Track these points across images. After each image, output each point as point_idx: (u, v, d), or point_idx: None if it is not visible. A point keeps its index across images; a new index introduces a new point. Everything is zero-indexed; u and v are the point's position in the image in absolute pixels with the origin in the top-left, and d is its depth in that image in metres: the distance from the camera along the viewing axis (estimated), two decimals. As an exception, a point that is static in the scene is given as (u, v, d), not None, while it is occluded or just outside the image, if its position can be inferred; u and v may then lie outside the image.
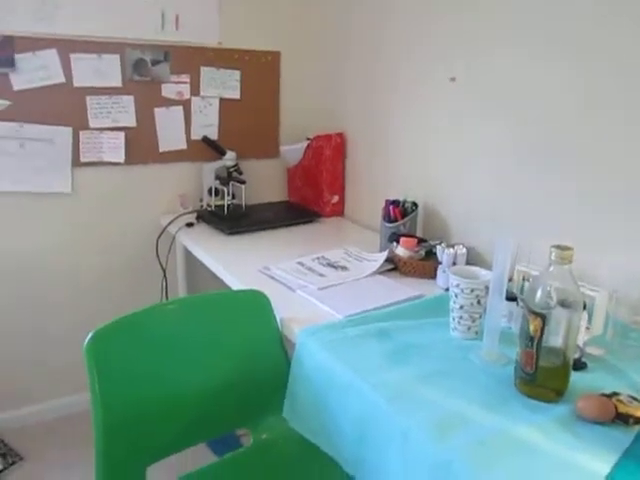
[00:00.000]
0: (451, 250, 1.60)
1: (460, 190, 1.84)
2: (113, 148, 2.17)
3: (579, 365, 1.12)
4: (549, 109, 1.52)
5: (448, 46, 1.81)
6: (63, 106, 2.04)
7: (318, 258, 1.79)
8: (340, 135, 2.39)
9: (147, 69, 2.17)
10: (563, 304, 0.99)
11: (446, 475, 0.88)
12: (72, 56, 2.02)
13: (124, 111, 2.16)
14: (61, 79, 2.02)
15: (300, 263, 1.74)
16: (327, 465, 1.17)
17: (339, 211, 2.46)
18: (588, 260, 1.32)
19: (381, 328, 1.29)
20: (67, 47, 2.00)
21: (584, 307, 1.14)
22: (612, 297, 1.30)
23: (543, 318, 0.99)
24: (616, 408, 0.95)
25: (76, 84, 2.05)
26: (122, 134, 2.17)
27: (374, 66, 2.18)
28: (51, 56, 1.99)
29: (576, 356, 1.11)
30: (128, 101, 2.16)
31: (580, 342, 1.16)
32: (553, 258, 0.98)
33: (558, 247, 0.98)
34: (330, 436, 1.16)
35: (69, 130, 2.07)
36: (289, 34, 2.46)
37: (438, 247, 1.65)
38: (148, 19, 2.14)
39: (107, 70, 2.09)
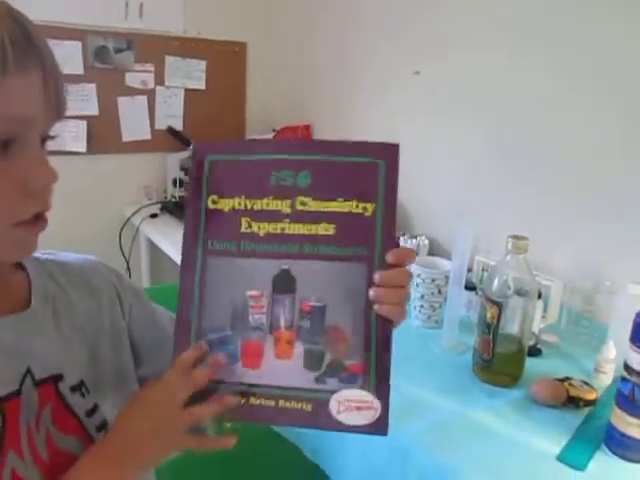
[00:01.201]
0: (414, 241, 1.63)
1: (424, 183, 1.87)
2: (74, 137, 2.12)
3: (534, 351, 1.16)
4: (511, 106, 1.55)
5: (414, 40, 1.83)
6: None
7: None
8: (307, 127, 2.39)
9: (110, 57, 2.14)
10: (519, 293, 1.02)
11: (405, 459, 0.90)
12: (31, 42, 1.96)
13: (86, 99, 2.12)
14: (19, 65, 1.97)
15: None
16: (291, 453, 1.18)
17: (305, 203, 2.46)
18: (544, 251, 1.36)
19: (344, 318, 1.31)
20: (26, 32, 1.95)
21: (539, 296, 1.18)
22: (566, 287, 1.34)
23: (500, 306, 1.02)
24: (568, 392, 0.98)
25: (35, 71, 1.99)
26: (84, 123, 2.13)
27: (342, 59, 2.18)
28: (9, 41, 1.93)
29: (531, 343, 1.14)
30: (90, 89, 2.12)
31: (535, 329, 1.20)
32: (509, 247, 1.01)
33: (514, 237, 1.01)
34: (293, 424, 1.17)
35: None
36: (256, 25, 2.45)
37: (401, 238, 1.68)
38: (111, 6, 2.10)
39: (68, 57, 2.04)
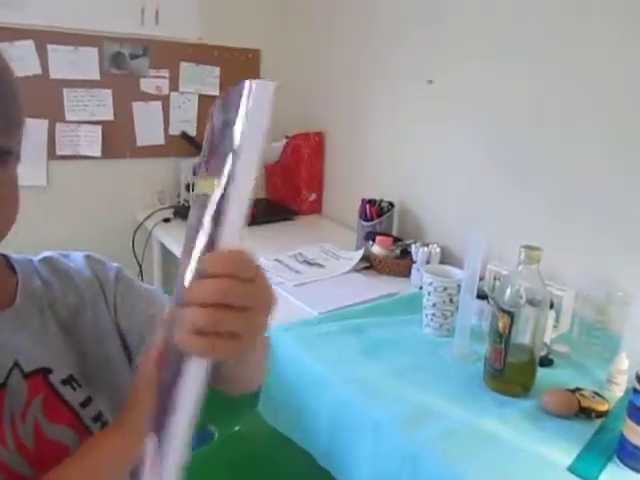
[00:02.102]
0: (425, 249, 1.63)
1: (435, 190, 1.88)
2: (90, 142, 2.15)
3: (546, 361, 1.16)
4: (521, 115, 1.55)
5: (427, 50, 1.84)
6: (39, 98, 2.01)
7: (295, 255, 1.80)
8: (319, 134, 2.40)
9: (125, 63, 2.16)
10: (531, 303, 1.02)
11: (416, 467, 0.90)
12: (49, 47, 1.99)
13: (101, 104, 2.15)
14: (37, 70, 2.00)
15: (277, 260, 1.75)
16: (301, 458, 1.18)
17: (317, 209, 2.48)
18: (556, 260, 1.36)
19: (355, 324, 1.31)
20: (44, 38, 1.98)
21: (551, 306, 1.18)
22: (578, 297, 1.34)
23: (512, 316, 1.02)
24: (579, 403, 0.98)
25: (53, 76, 2.02)
26: (99, 128, 2.15)
27: (355, 67, 2.20)
28: (28, 47, 1.97)
29: (543, 353, 1.14)
30: (106, 94, 2.15)
31: (547, 340, 1.20)
32: (522, 258, 1.01)
33: (527, 247, 1.01)
34: (304, 430, 1.18)
35: (45, 122, 2.05)
36: (270, 32, 2.47)
37: (413, 246, 1.68)
38: (128, 13, 2.13)
39: (84, 63, 2.07)
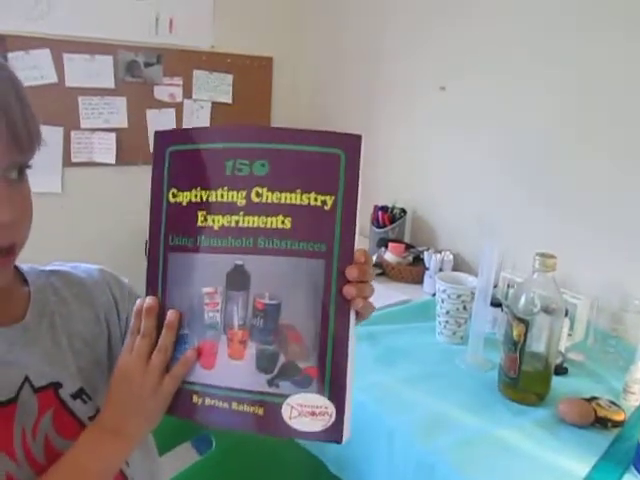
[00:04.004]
0: (438, 256, 1.63)
1: (448, 198, 1.87)
2: (104, 149, 2.17)
3: (560, 370, 1.15)
4: (536, 122, 1.55)
5: (440, 57, 1.85)
6: (55, 106, 2.04)
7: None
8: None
9: (140, 71, 2.18)
10: (546, 311, 1.02)
11: (430, 475, 0.90)
12: (65, 56, 2.02)
13: (116, 112, 2.17)
14: (53, 79, 2.03)
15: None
16: (312, 464, 1.18)
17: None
18: (571, 268, 1.35)
19: (368, 332, 1.31)
20: (60, 47, 2.01)
21: (566, 314, 1.17)
22: (593, 305, 1.33)
23: (526, 324, 1.01)
24: (595, 412, 0.98)
25: (68, 84, 2.05)
26: (113, 135, 2.18)
27: (368, 73, 2.20)
28: (44, 56, 1.99)
29: (558, 361, 1.14)
30: (120, 102, 2.17)
31: (562, 348, 1.19)
32: (537, 266, 1.01)
33: (542, 255, 1.01)
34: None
35: (60, 130, 2.07)
36: (283, 40, 2.48)
37: (425, 253, 1.68)
38: (142, 21, 2.15)
39: (99, 71, 2.10)
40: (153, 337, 0.54)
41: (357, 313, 0.52)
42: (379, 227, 1.87)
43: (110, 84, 2.13)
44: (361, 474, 1.04)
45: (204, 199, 0.53)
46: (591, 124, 1.41)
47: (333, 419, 0.50)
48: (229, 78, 2.39)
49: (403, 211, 1.90)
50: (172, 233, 0.55)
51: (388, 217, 1.88)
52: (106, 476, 0.55)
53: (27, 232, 0.55)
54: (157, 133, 0.56)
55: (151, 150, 0.58)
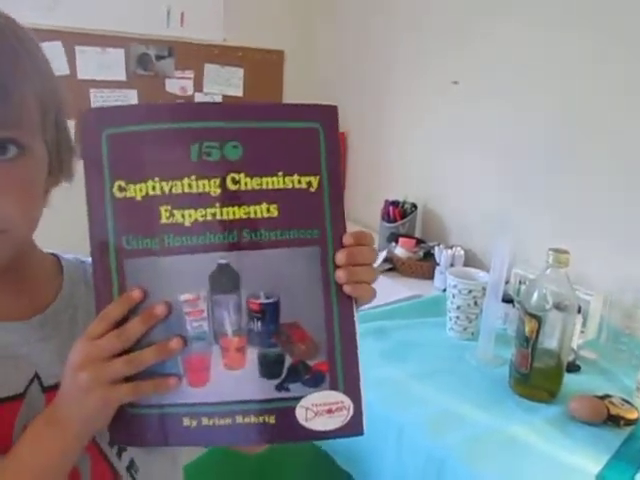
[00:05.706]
0: (449, 251, 1.62)
1: (459, 192, 1.86)
2: (115, 142, 2.17)
3: (573, 367, 1.14)
4: (551, 114, 1.53)
5: (452, 50, 1.83)
6: (66, 99, 2.04)
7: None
8: (341, 135, 2.40)
9: (151, 64, 2.18)
10: (558, 307, 1.00)
11: (440, 471, 0.89)
12: (77, 49, 2.02)
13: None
14: (65, 71, 2.03)
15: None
16: (322, 461, 1.18)
17: (338, 210, 2.47)
18: (583, 264, 1.33)
19: (378, 327, 1.31)
20: (72, 40, 2.01)
21: (579, 311, 1.16)
22: (606, 302, 1.31)
23: (539, 320, 1.00)
24: (608, 410, 0.96)
25: (80, 77, 2.05)
26: (125, 128, 2.18)
27: (379, 67, 2.19)
28: (56, 48, 2.00)
29: (570, 358, 1.12)
30: (132, 95, 2.17)
31: (574, 345, 1.17)
32: (550, 261, 1.00)
33: (555, 250, 1.00)
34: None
35: (71, 123, 2.07)
36: (294, 34, 2.47)
37: (436, 248, 1.67)
38: (153, 14, 2.15)
39: (111, 64, 2.10)
40: (112, 324, 0.47)
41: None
42: (389, 222, 1.86)
43: (122, 77, 2.13)
44: (370, 468, 1.03)
45: (166, 191, 0.46)
46: (600, 122, 1.39)
47: (352, 412, 0.48)
48: (240, 72, 2.38)
49: (414, 206, 1.89)
50: (126, 235, 0.47)
51: (399, 212, 1.87)
52: (47, 469, 0.48)
53: (23, 217, 0.51)
54: (89, 112, 0.48)
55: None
